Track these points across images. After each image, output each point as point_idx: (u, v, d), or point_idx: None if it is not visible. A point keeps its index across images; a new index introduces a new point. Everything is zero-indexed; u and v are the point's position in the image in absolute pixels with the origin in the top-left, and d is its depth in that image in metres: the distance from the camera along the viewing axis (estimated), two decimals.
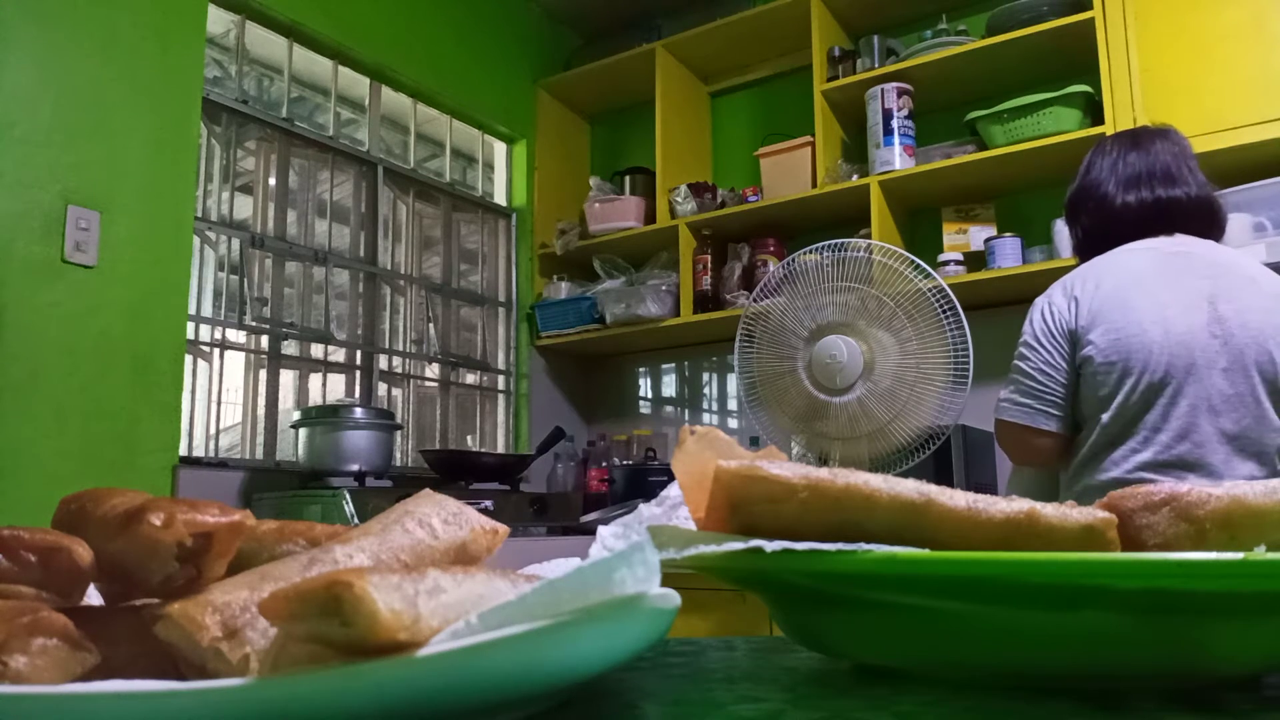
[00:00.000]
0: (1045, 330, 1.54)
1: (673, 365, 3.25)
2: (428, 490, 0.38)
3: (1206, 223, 1.54)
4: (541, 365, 3.21)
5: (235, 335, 2.39)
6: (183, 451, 2.15)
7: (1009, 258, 2.38)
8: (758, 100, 3.18)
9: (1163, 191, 1.53)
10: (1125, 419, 1.45)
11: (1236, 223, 1.98)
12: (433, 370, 2.96)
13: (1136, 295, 1.46)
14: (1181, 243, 1.51)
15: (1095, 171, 1.60)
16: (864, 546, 0.32)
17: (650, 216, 3.01)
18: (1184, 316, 1.44)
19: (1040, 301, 1.58)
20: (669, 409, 3.25)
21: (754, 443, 2.57)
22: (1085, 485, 1.50)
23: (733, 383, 3.11)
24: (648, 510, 0.46)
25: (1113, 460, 1.47)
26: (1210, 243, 1.53)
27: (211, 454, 2.29)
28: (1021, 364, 1.56)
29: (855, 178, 2.59)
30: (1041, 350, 1.54)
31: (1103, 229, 1.57)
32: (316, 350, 2.60)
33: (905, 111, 2.55)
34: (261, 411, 2.43)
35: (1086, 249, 1.61)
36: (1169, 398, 1.43)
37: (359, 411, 2.26)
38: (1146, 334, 1.44)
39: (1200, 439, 1.42)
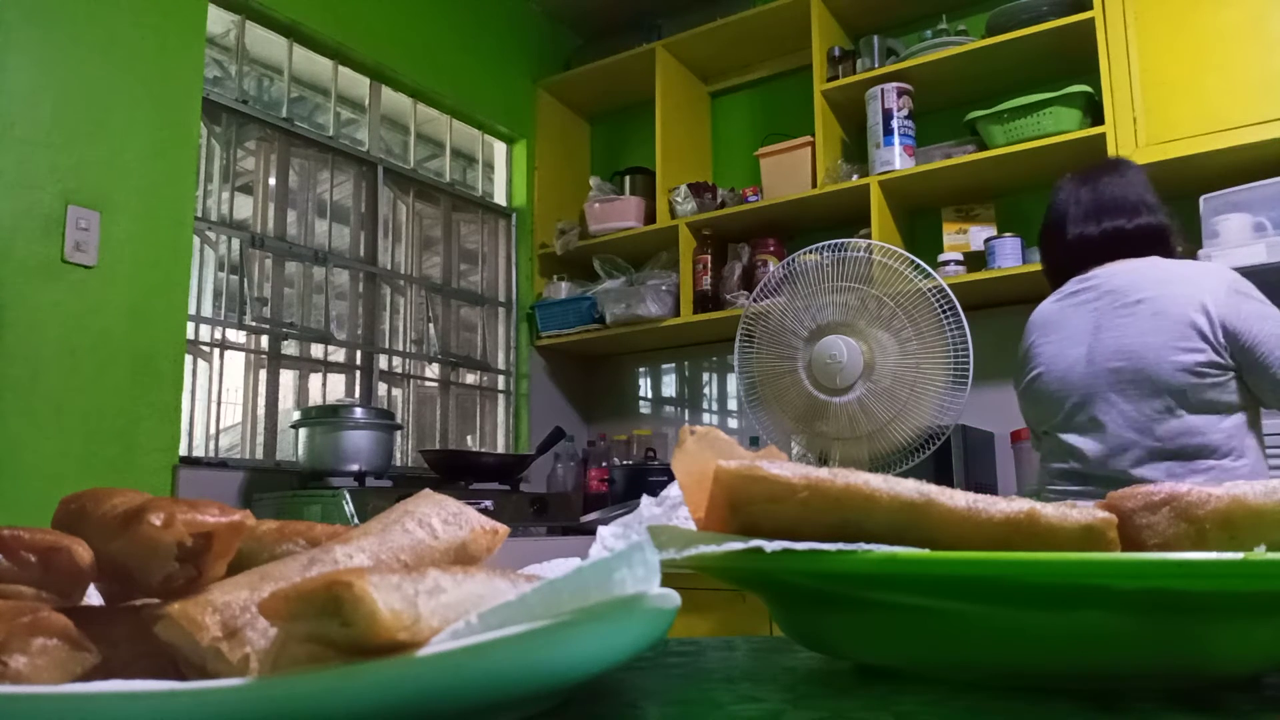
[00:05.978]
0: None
1: (673, 365, 3.25)
2: (428, 490, 0.38)
3: (1152, 245, 1.64)
4: (541, 365, 3.21)
5: (235, 335, 2.39)
6: (183, 451, 2.15)
7: (1009, 258, 2.38)
8: (758, 100, 3.17)
9: (1108, 223, 1.65)
10: (1054, 438, 1.64)
11: (1236, 222, 1.98)
12: (433, 370, 2.96)
13: (1041, 342, 1.68)
14: (1110, 271, 1.62)
15: (1054, 210, 1.74)
16: (864, 546, 0.32)
17: (650, 216, 3.01)
18: (1068, 353, 1.62)
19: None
20: (669, 409, 3.25)
21: (754, 443, 2.57)
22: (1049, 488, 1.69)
23: (733, 383, 3.11)
24: (648, 510, 0.46)
25: (1059, 474, 1.63)
26: (1143, 263, 1.62)
27: (211, 454, 2.29)
28: None
29: (855, 178, 2.59)
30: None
31: (1062, 261, 1.72)
32: (316, 350, 2.60)
33: (905, 111, 2.54)
34: (261, 411, 2.43)
35: (1053, 279, 1.76)
36: (1081, 421, 1.58)
37: (359, 411, 2.26)
38: (1049, 373, 1.64)
39: (1121, 448, 1.55)
